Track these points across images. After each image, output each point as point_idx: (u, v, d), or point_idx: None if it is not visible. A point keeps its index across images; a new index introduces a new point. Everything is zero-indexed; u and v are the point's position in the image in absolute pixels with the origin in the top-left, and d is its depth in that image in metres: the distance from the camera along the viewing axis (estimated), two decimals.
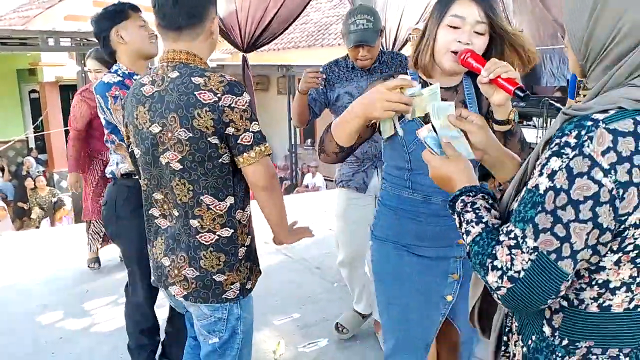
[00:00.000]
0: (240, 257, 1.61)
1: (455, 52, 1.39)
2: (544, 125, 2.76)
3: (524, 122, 3.89)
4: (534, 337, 0.94)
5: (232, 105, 1.45)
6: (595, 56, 0.88)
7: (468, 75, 1.55)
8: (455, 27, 1.39)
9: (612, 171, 0.77)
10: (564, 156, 0.80)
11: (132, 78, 2.10)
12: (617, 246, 0.82)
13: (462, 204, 0.99)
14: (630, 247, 0.82)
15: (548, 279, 0.81)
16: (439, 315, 1.60)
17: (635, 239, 0.82)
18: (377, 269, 1.68)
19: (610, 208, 0.78)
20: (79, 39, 7.43)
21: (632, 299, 0.86)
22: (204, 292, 1.58)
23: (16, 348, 2.86)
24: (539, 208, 0.81)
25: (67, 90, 11.26)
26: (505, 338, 1.04)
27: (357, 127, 1.35)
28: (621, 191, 0.77)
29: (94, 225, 3.80)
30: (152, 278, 1.75)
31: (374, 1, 5.00)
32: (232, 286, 1.60)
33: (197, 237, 1.56)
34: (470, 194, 1.00)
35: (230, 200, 1.56)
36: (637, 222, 0.80)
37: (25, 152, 12.14)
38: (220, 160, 1.51)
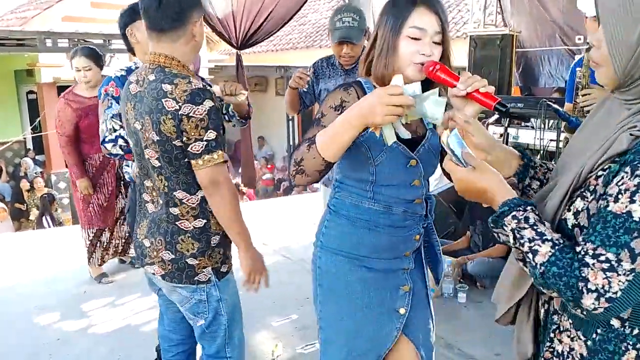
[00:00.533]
0: (213, 245, 1.71)
1: (420, 63, 1.36)
2: (542, 126, 2.76)
3: (522, 123, 3.89)
4: (599, 330, 0.99)
5: (190, 114, 1.54)
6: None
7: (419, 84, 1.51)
8: (415, 39, 1.37)
9: None
10: None
11: None
12: None
13: (515, 221, 0.98)
14: None
15: None
16: (393, 330, 1.56)
17: None
18: (326, 281, 1.59)
19: None
20: (76, 39, 7.44)
21: None
22: (178, 273, 1.69)
23: (14, 349, 2.85)
24: (635, 234, 0.86)
25: (63, 91, 11.21)
26: (551, 335, 1.08)
27: (351, 139, 1.28)
28: None
29: (98, 234, 3.69)
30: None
31: (371, 3, 5.02)
32: (204, 270, 1.71)
33: (177, 223, 1.68)
34: (520, 208, 0.99)
35: (200, 193, 1.67)
36: None
37: (23, 153, 12.09)
38: (186, 160, 1.61)
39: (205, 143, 1.57)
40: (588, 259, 0.89)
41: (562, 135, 2.71)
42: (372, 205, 1.51)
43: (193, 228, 1.68)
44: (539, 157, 3.94)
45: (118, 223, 3.75)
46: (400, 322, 1.56)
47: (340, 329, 1.58)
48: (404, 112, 1.21)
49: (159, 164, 1.63)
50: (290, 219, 5.55)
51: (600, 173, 0.95)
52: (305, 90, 2.75)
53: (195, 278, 1.70)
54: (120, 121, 2.12)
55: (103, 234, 3.72)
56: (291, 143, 12.10)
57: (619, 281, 0.86)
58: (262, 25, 4.06)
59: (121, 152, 2.20)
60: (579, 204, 0.96)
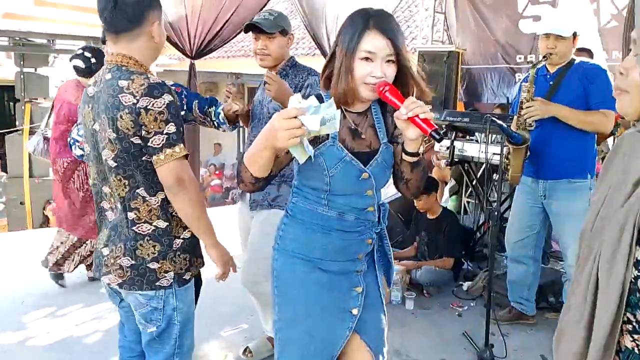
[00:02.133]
0: (175, 248, 1.68)
1: (372, 84, 1.45)
2: (486, 140, 2.91)
3: (467, 137, 4.05)
4: None
5: (148, 107, 1.52)
6: None
7: (376, 101, 1.60)
8: (368, 59, 1.44)
9: None
10: None
11: None
12: None
13: None
14: None
15: None
16: (345, 329, 1.61)
17: None
18: (281, 283, 1.64)
19: None
20: (18, 38, 7.11)
21: None
22: (138, 279, 1.66)
23: None
24: None
25: (2, 92, 10.70)
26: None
27: (268, 159, 1.36)
28: None
29: (85, 246, 3.60)
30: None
31: (324, 14, 5.09)
32: (166, 274, 1.67)
33: (134, 228, 1.64)
34: None
35: (161, 195, 1.64)
36: None
37: None
38: (144, 158, 1.58)
39: (165, 136, 1.54)
40: None
41: (505, 149, 2.85)
42: (326, 212, 1.57)
43: (154, 229, 1.65)
44: (482, 169, 4.13)
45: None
46: (352, 322, 1.62)
47: (295, 330, 1.62)
48: (303, 131, 1.25)
49: (116, 164, 1.60)
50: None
51: None
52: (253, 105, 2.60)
53: (157, 283, 1.67)
54: (79, 135, 2.17)
55: (83, 245, 3.60)
56: (241, 151, 12.01)
57: None
58: (217, 35, 4.02)
59: (82, 152, 2.18)
60: None
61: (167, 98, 1.55)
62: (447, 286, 3.78)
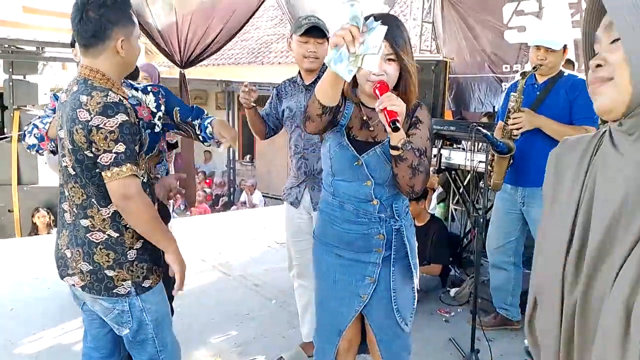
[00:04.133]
0: (131, 259, 1.71)
1: (372, 81, 1.62)
2: (472, 148, 2.96)
3: (454, 145, 4.11)
4: None
5: (100, 125, 1.56)
6: None
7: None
8: None
9: None
10: None
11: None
12: None
13: None
14: None
15: None
16: (352, 310, 1.82)
17: None
18: (313, 266, 1.93)
19: None
20: (6, 45, 7.10)
21: None
22: (97, 284, 1.70)
23: None
24: None
25: None
26: None
27: (332, 80, 1.48)
28: None
29: None
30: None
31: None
32: (123, 283, 1.71)
33: (88, 235, 1.69)
34: None
35: (112, 207, 1.67)
36: None
37: None
38: (97, 170, 1.62)
39: (114, 155, 1.58)
40: None
41: (489, 156, 2.91)
42: (332, 200, 1.78)
43: (107, 238, 1.68)
44: (469, 176, 4.19)
45: None
46: (359, 305, 1.81)
47: (316, 301, 1.94)
48: (351, 39, 1.33)
49: (74, 173, 1.66)
50: (229, 235, 5.53)
51: None
52: (267, 112, 2.66)
53: (114, 290, 1.70)
54: (43, 122, 2.16)
55: None
56: (231, 158, 12.01)
57: None
58: (209, 46, 4.06)
59: (36, 141, 2.16)
60: None
61: (121, 118, 1.58)
62: (434, 292, 3.82)
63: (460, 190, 4.43)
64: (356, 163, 1.70)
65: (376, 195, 1.73)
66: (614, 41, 0.84)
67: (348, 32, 1.32)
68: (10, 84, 6.90)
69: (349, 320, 1.84)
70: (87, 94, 1.60)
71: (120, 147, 1.58)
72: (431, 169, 4.45)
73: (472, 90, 5.75)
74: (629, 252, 0.77)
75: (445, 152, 4.01)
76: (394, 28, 1.59)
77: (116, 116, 1.57)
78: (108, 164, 1.58)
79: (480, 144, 3.58)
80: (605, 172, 0.85)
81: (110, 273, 1.69)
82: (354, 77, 1.54)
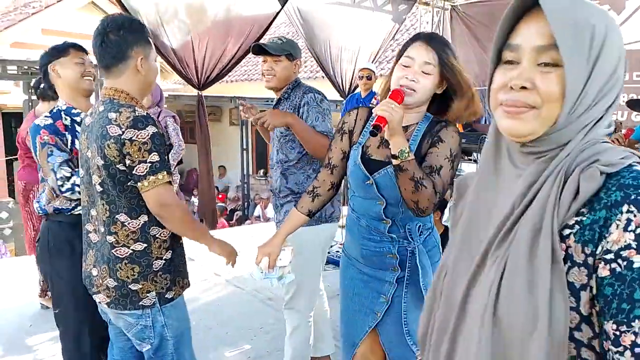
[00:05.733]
0: (155, 269, 1.77)
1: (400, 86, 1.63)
2: None
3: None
4: None
5: (133, 138, 1.63)
6: (584, 109, 0.74)
7: (427, 121, 1.73)
8: (406, 66, 1.63)
9: None
10: None
11: (68, 114, 2.20)
12: None
13: None
14: None
15: None
16: (366, 325, 1.85)
17: None
18: (339, 277, 1.97)
19: None
20: (26, 67, 7.29)
21: None
22: (123, 300, 1.76)
23: None
24: None
25: (9, 119, 10.90)
26: None
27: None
28: None
29: None
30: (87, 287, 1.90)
31: (326, 39, 5.23)
32: (148, 294, 1.76)
33: (113, 251, 1.74)
34: None
35: (143, 218, 1.74)
36: None
37: None
38: (129, 183, 1.69)
39: (149, 164, 1.65)
40: None
41: None
42: (352, 213, 1.84)
43: (131, 252, 1.73)
44: None
45: None
46: (373, 321, 1.83)
47: (340, 310, 1.98)
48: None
49: (102, 189, 1.71)
50: (243, 249, 5.55)
51: (567, 232, 0.71)
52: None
53: (140, 303, 1.76)
54: (69, 167, 2.10)
55: None
56: (245, 172, 12.10)
57: None
58: (225, 67, 4.13)
59: (69, 185, 2.19)
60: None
61: (151, 130, 1.66)
62: None
63: None
64: (367, 182, 1.71)
65: (387, 215, 1.72)
66: (546, 64, 0.74)
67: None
68: (29, 104, 7.06)
69: (363, 333, 1.86)
70: (115, 110, 1.67)
71: (155, 157, 1.66)
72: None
73: (483, 102, 5.76)
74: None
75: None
76: (438, 41, 1.66)
77: (147, 128, 1.65)
78: (144, 173, 1.65)
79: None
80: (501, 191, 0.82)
81: (134, 287, 1.74)
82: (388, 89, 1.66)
